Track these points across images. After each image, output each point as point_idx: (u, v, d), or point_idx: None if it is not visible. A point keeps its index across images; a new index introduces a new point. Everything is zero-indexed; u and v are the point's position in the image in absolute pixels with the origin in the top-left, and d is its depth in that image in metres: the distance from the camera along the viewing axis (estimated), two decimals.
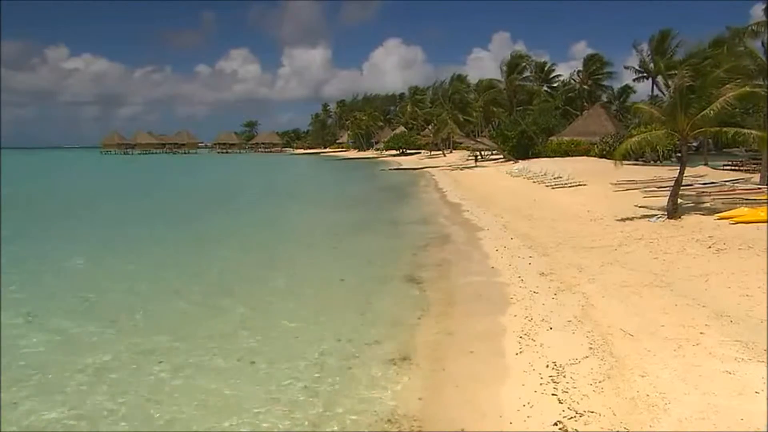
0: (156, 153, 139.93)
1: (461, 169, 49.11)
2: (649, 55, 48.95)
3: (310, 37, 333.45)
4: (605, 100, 63.50)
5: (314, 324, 9.39)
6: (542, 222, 18.08)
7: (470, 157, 58.44)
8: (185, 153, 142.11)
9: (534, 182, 30.60)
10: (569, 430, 5.37)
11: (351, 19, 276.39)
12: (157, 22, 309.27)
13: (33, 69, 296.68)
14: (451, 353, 7.87)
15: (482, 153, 59.99)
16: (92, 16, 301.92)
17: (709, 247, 12.42)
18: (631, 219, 16.78)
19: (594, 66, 62.86)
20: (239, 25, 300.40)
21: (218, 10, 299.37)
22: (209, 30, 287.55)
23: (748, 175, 25.31)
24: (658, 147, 18.09)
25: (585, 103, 61.15)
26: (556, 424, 5.48)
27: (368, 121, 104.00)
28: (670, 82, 18.72)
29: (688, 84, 15.56)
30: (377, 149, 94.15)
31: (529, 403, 5.97)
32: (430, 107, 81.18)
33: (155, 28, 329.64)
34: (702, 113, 15.38)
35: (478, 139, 62.21)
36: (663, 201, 17.16)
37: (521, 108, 61.42)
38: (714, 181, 23.05)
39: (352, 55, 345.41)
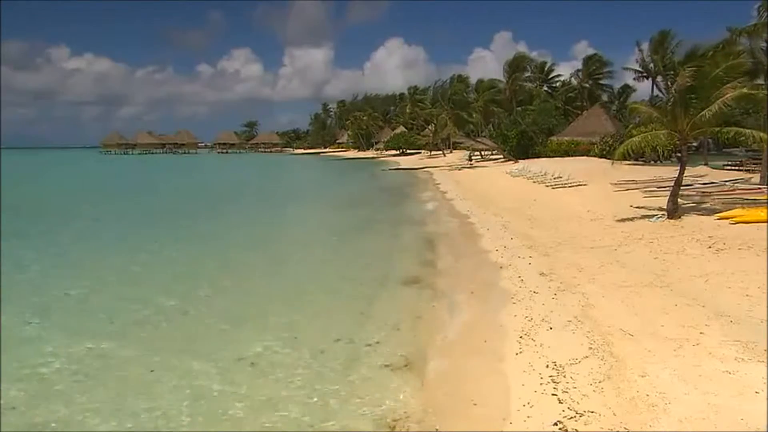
0: (156, 153, 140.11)
1: (461, 169, 49.12)
2: (649, 56, 48.95)
3: (314, 38, 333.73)
4: (605, 99, 63.49)
5: (314, 324, 9.40)
6: (542, 222, 18.08)
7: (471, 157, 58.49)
8: (185, 153, 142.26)
9: (534, 182, 30.59)
10: (569, 430, 5.37)
11: (357, 19, 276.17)
12: (163, 21, 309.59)
13: (36, 69, 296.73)
14: (450, 354, 7.88)
15: (482, 153, 60.00)
16: (95, 15, 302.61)
17: (709, 247, 12.43)
18: (631, 219, 16.79)
19: (594, 66, 62.83)
20: (242, 25, 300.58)
21: (224, 9, 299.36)
22: (215, 30, 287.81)
23: (748, 175, 25.30)
24: (658, 147, 18.05)
25: (585, 103, 61.10)
26: (556, 424, 5.48)
27: (368, 121, 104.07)
28: (669, 83, 18.71)
29: (688, 84, 15.54)
30: (377, 149, 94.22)
31: (529, 403, 5.97)
32: (431, 107, 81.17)
33: (160, 27, 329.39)
34: (701, 113, 15.39)
35: (478, 139, 62.21)
36: (663, 201, 17.16)
37: (521, 108, 61.38)
38: (714, 181, 23.07)
39: (354, 55, 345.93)
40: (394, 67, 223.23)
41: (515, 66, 66.93)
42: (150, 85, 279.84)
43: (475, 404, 6.26)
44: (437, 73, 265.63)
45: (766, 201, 16.44)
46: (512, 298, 9.91)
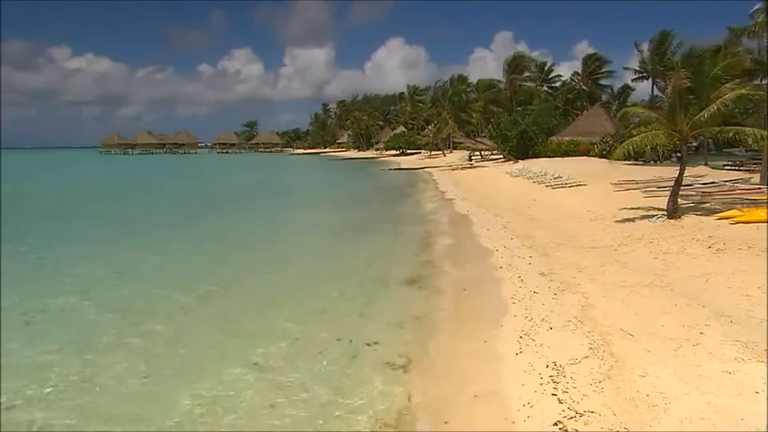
0: (156, 153, 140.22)
1: (461, 169, 49.13)
2: (648, 56, 48.95)
3: (315, 38, 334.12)
4: (605, 100, 63.47)
5: (314, 324, 9.40)
6: (542, 222, 18.08)
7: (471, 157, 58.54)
8: (185, 153, 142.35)
9: (534, 182, 30.60)
10: (569, 430, 5.37)
11: (358, 19, 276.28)
12: (163, 21, 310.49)
13: (37, 69, 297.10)
14: (450, 353, 7.88)
15: (482, 153, 60.01)
16: (95, 15, 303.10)
17: (709, 247, 12.42)
18: (631, 219, 16.78)
19: (593, 66, 62.81)
20: (243, 25, 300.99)
21: (225, 9, 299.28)
22: (215, 30, 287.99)
23: (748, 175, 25.28)
24: (658, 147, 18.03)
25: (585, 103, 61.10)
26: (556, 424, 5.48)
27: (368, 120, 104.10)
28: (668, 83, 18.60)
29: (686, 85, 15.52)
30: (377, 149, 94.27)
31: (529, 403, 5.97)
32: (431, 107, 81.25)
33: (161, 27, 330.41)
34: (701, 113, 15.39)
35: (478, 139, 62.22)
36: (663, 201, 17.15)
37: (521, 108, 61.39)
38: (714, 181, 23.05)
39: (355, 55, 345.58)
40: (394, 67, 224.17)
41: (515, 66, 66.97)
42: (150, 85, 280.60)
43: (474, 404, 6.26)
44: (438, 73, 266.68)
45: (766, 201, 16.42)
46: (512, 298, 9.91)
